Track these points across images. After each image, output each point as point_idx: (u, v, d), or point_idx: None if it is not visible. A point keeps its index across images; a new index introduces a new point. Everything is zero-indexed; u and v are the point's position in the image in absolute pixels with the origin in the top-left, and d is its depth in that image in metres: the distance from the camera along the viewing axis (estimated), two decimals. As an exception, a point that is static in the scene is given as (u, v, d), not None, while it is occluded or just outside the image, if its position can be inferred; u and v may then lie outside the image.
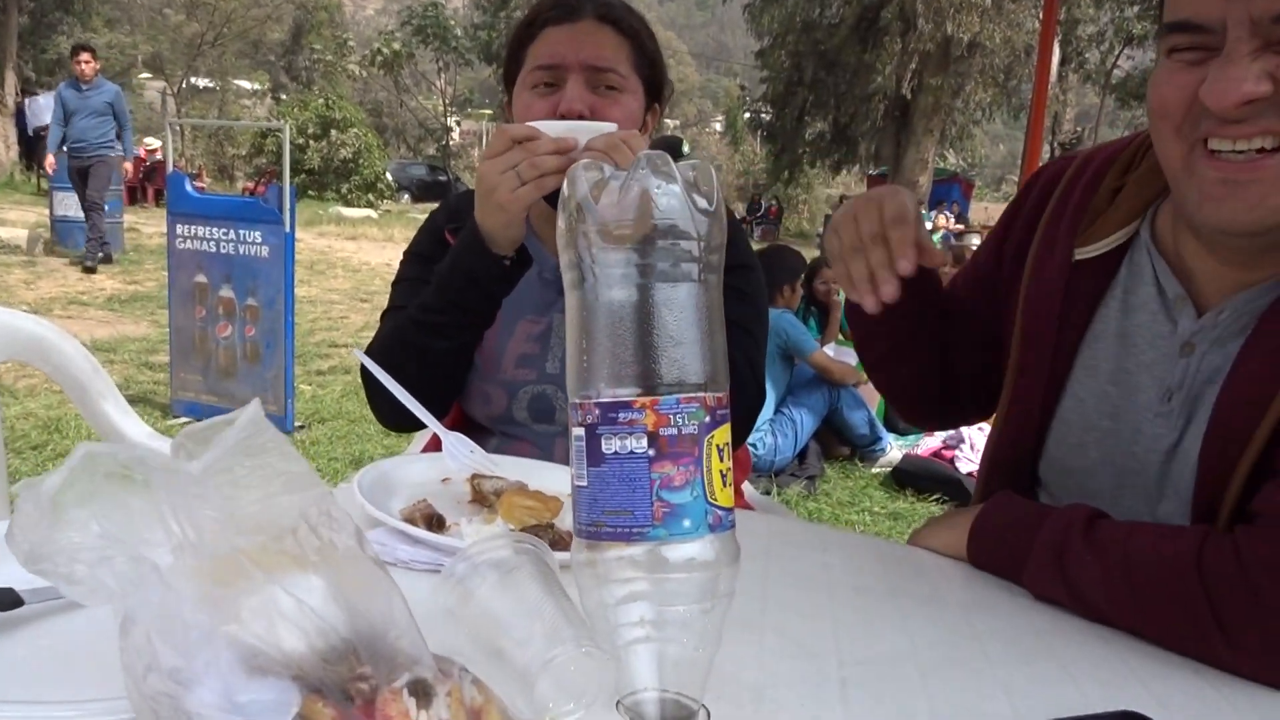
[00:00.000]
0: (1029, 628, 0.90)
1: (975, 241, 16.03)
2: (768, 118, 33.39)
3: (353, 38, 45.75)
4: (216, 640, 0.47)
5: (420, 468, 1.17)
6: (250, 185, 20.86)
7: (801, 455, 4.79)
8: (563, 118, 1.31)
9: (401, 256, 1.53)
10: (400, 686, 0.48)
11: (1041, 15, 5.01)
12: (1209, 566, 0.85)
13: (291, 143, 7.29)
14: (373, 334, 1.46)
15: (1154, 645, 0.87)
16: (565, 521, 1.00)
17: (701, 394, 0.58)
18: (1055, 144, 29.11)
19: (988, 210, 30.35)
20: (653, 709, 0.59)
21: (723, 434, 0.60)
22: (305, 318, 7.83)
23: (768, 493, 4.30)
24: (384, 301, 1.51)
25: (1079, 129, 36.09)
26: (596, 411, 0.58)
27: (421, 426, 1.20)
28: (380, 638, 0.51)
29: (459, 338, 1.34)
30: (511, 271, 1.30)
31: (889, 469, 4.81)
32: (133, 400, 4.93)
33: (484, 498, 1.08)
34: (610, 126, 1.22)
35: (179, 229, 4.75)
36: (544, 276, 1.44)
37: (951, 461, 4.63)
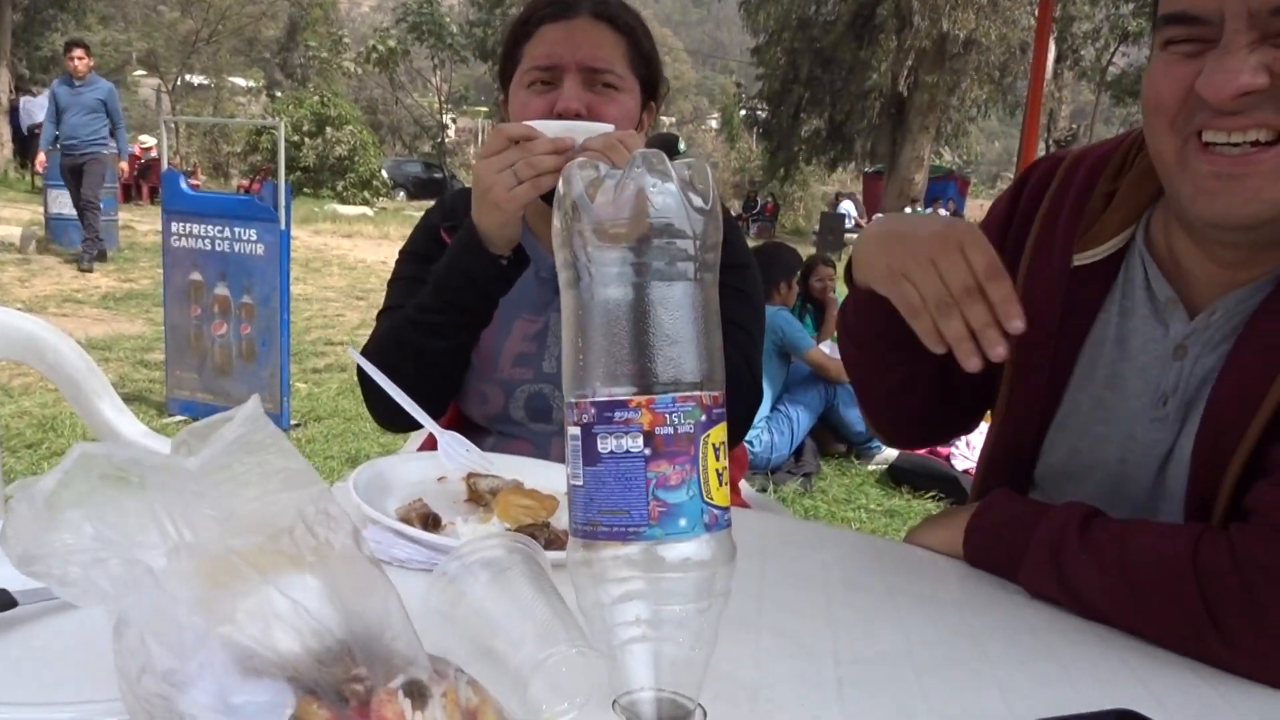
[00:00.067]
0: (1026, 626, 0.90)
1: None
2: (764, 115, 33.41)
3: (348, 34, 45.67)
4: (211, 642, 0.47)
5: (416, 466, 1.17)
6: (245, 183, 20.87)
7: (798, 452, 4.79)
8: (559, 116, 1.31)
9: (397, 255, 1.53)
10: (395, 688, 0.48)
11: (1037, 12, 5.01)
12: (1204, 565, 0.85)
13: (286, 140, 7.27)
14: (369, 332, 1.45)
15: (1151, 644, 0.87)
16: (561, 520, 1.00)
17: (697, 393, 0.58)
18: (1050, 141, 29.16)
19: (983, 207, 30.25)
20: (649, 708, 0.59)
21: (719, 433, 0.60)
22: (301, 315, 7.82)
23: (764, 490, 4.30)
24: (380, 299, 1.51)
25: (1074, 126, 36.14)
26: (592, 411, 0.58)
27: (418, 426, 1.20)
28: (376, 639, 0.50)
29: (456, 337, 1.34)
30: (508, 271, 1.30)
31: (885, 466, 4.82)
32: (128, 399, 4.92)
33: (480, 497, 1.08)
34: (608, 127, 1.22)
35: (174, 227, 4.74)
36: (541, 275, 1.44)
37: (947, 459, 4.64)
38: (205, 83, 38.09)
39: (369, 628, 0.51)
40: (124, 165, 9.88)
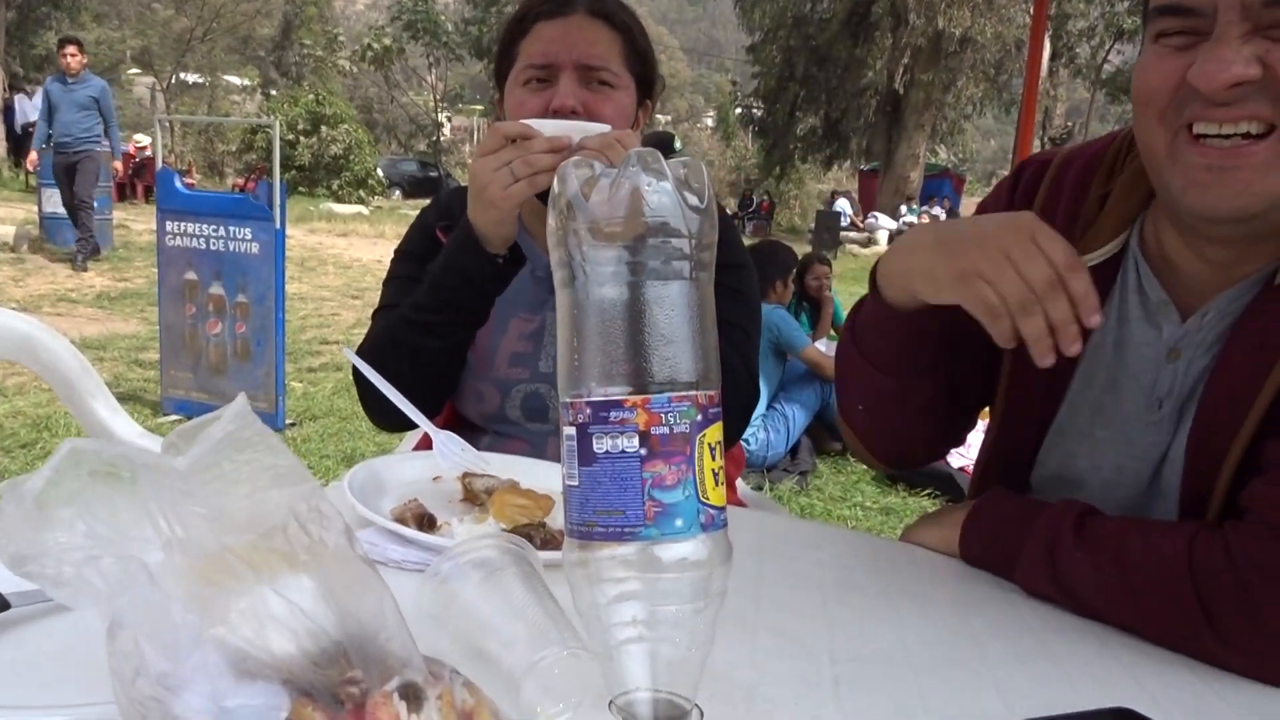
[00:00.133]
0: (1022, 625, 0.90)
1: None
2: (759, 113, 33.43)
3: (343, 33, 45.58)
4: (205, 643, 0.47)
5: (411, 466, 1.17)
6: (240, 182, 20.81)
7: (794, 450, 4.80)
8: (555, 114, 1.31)
9: (393, 254, 1.53)
10: (391, 690, 0.48)
11: (1032, 10, 5.01)
12: (1199, 563, 0.85)
13: (282, 139, 7.27)
14: (364, 331, 1.45)
15: (1147, 642, 0.87)
16: (557, 520, 0.99)
17: (693, 392, 0.58)
18: (1046, 139, 29.17)
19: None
20: (645, 709, 0.59)
21: (714, 432, 0.59)
22: (296, 315, 7.81)
23: (760, 488, 4.30)
24: (375, 298, 1.51)
25: (1069, 123, 36.15)
26: (588, 411, 0.58)
27: (413, 425, 1.19)
28: (371, 640, 0.50)
29: (452, 337, 1.34)
30: (504, 270, 1.30)
31: (881, 464, 4.81)
32: (123, 398, 4.91)
33: (475, 497, 1.08)
34: (605, 127, 1.22)
35: (169, 226, 4.73)
36: (537, 274, 1.44)
37: (943, 456, 4.63)
38: (200, 81, 38.01)
39: (364, 629, 0.50)
40: (118, 165, 9.83)
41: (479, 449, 1.18)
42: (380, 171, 27.51)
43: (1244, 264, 0.96)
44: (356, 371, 1.25)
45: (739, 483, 1.92)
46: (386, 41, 37.45)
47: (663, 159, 0.59)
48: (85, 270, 9.16)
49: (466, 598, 0.68)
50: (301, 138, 24.54)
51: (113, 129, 9.18)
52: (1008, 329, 0.90)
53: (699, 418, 0.58)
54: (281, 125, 8.86)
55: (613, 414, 0.57)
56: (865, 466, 4.85)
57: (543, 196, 1.20)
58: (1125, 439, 1.04)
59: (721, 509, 0.60)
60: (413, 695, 0.48)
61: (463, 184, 1.39)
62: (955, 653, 0.83)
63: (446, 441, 1.16)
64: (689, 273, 0.58)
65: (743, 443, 4.33)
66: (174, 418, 4.78)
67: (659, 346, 0.57)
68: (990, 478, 1.18)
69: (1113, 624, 0.90)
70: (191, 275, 4.72)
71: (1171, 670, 0.83)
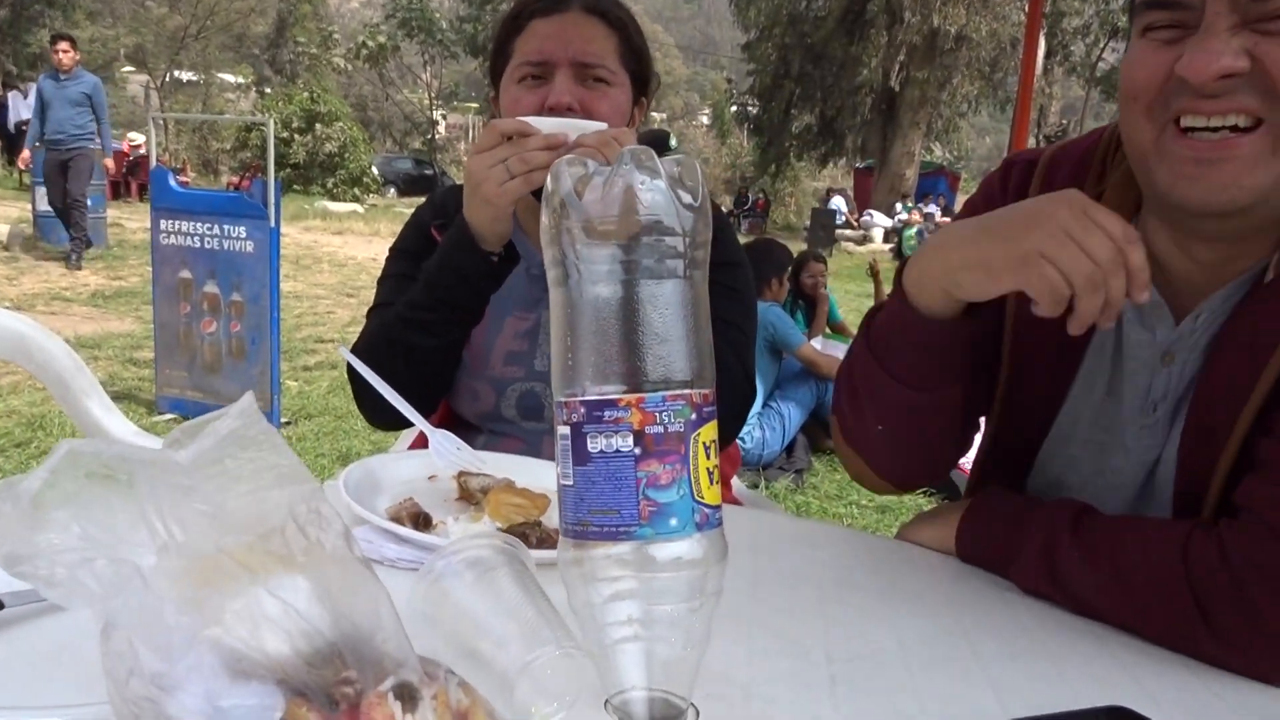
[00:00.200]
0: (1018, 623, 0.90)
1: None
2: (755, 111, 33.43)
3: (337, 31, 45.51)
4: (199, 644, 0.47)
5: (407, 465, 1.16)
6: (235, 180, 20.75)
7: (789, 448, 4.80)
8: (551, 111, 1.31)
9: (388, 253, 1.53)
10: (385, 690, 0.48)
11: (1027, 8, 5.02)
12: (1194, 563, 0.85)
13: (276, 137, 7.26)
14: (359, 329, 1.45)
15: (1143, 640, 0.87)
16: (553, 519, 0.99)
17: (688, 391, 0.58)
18: (1041, 136, 29.19)
19: (974, 203, 30.33)
20: (641, 708, 0.58)
21: (709, 431, 0.59)
22: (291, 313, 7.79)
23: (755, 486, 4.30)
24: (370, 296, 1.50)
25: (1064, 121, 36.20)
26: (582, 410, 0.57)
27: (409, 424, 1.19)
28: (366, 640, 0.50)
29: (447, 335, 1.34)
30: (499, 268, 1.30)
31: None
32: (117, 397, 4.91)
33: (471, 495, 1.08)
34: (601, 125, 1.22)
35: (163, 224, 4.72)
36: (532, 273, 1.44)
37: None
38: (194, 79, 37.95)
39: (359, 629, 0.50)
40: (109, 162, 9.76)
41: (474, 448, 1.18)
42: (375, 169, 27.47)
43: (1233, 263, 0.95)
44: (352, 370, 1.25)
45: (735, 481, 1.92)
46: (381, 39, 37.40)
47: (656, 157, 0.59)
48: (79, 269, 9.13)
49: (459, 597, 0.68)
50: (296, 136, 24.48)
51: (104, 126, 9.09)
52: (1061, 308, 0.87)
53: (693, 416, 0.58)
54: (276, 123, 8.83)
55: (607, 413, 0.57)
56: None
57: (538, 194, 1.20)
58: (1121, 443, 1.04)
59: (717, 508, 0.60)
60: (408, 695, 0.48)
61: (458, 182, 1.38)
62: (951, 651, 0.83)
63: (442, 440, 1.16)
64: (683, 271, 0.58)
65: (738, 441, 4.34)
66: (169, 416, 4.77)
67: (653, 345, 0.57)
68: (987, 478, 1.18)
69: (1109, 623, 0.90)
70: (186, 274, 4.71)
71: (1168, 668, 0.83)
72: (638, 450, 0.57)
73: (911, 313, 0.98)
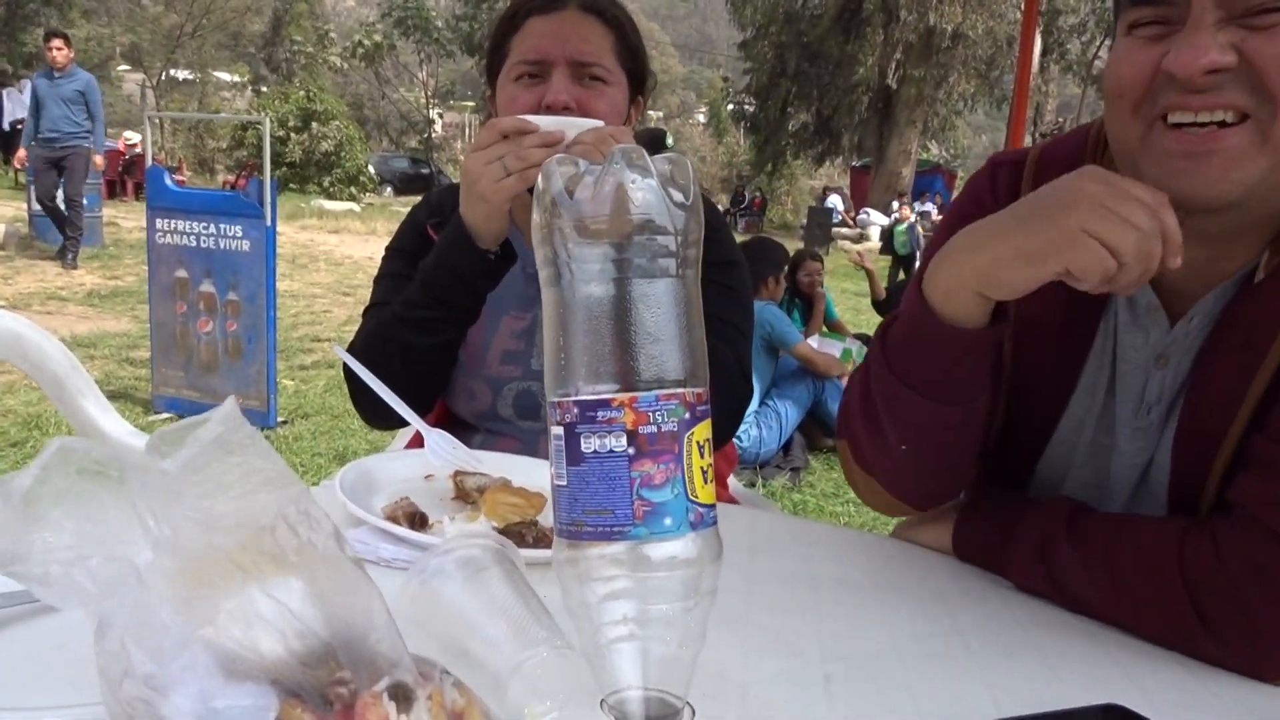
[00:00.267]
0: (1014, 622, 0.90)
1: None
2: (751, 109, 33.42)
3: (333, 29, 45.41)
4: (193, 644, 0.47)
5: (403, 465, 1.16)
6: (231, 179, 20.74)
7: (786, 447, 4.80)
8: (548, 109, 1.31)
9: (384, 252, 1.52)
10: (380, 690, 0.48)
11: (1023, 6, 5.01)
12: (1189, 562, 0.85)
13: (272, 136, 7.24)
14: (355, 328, 1.45)
15: (1138, 639, 0.88)
16: (549, 518, 0.99)
17: (681, 390, 0.58)
18: (1037, 134, 29.19)
19: (971, 202, 30.33)
20: (637, 707, 0.58)
21: (703, 430, 0.59)
22: (287, 312, 7.79)
23: (752, 485, 4.30)
24: (366, 295, 1.50)
25: (1060, 119, 36.19)
26: (575, 410, 0.57)
27: (405, 423, 1.19)
28: (360, 641, 0.50)
29: (443, 334, 1.34)
30: (496, 266, 1.29)
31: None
32: (113, 396, 4.90)
33: (467, 495, 1.08)
34: (598, 123, 1.22)
35: (159, 223, 4.71)
36: (528, 272, 1.43)
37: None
38: (190, 78, 37.87)
39: (353, 630, 0.50)
40: (99, 159, 9.67)
41: (471, 447, 1.18)
42: (371, 168, 27.44)
43: (1223, 262, 0.95)
44: (348, 369, 1.25)
45: (731, 480, 1.91)
46: (377, 38, 37.34)
47: (647, 155, 0.58)
48: (75, 268, 9.10)
49: (450, 597, 0.68)
50: (292, 134, 24.44)
51: (98, 124, 9.00)
52: (1107, 283, 0.85)
53: (687, 416, 0.58)
54: (272, 122, 8.81)
55: (600, 413, 0.57)
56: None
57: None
58: (1116, 446, 1.04)
59: (711, 507, 0.60)
60: (402, 695, 0.48)
61: (454, 181, 1.38)
62: (947, 650, 0.83)
63: (439, 440, 1.16)
64: (675, 270, 0.58)
65: (735, 440, 4.34)
66: (165, 416, 4.76)
67: (646, 345, 0.57)
68: (985, 480, 1.17)
69: (1105, 621, 0.90)
70: (182, 273, 4.71)
71: (1162, 667, 0.83)
72: (631, 450, 0.56)
73: (937, 324, 0.93)
